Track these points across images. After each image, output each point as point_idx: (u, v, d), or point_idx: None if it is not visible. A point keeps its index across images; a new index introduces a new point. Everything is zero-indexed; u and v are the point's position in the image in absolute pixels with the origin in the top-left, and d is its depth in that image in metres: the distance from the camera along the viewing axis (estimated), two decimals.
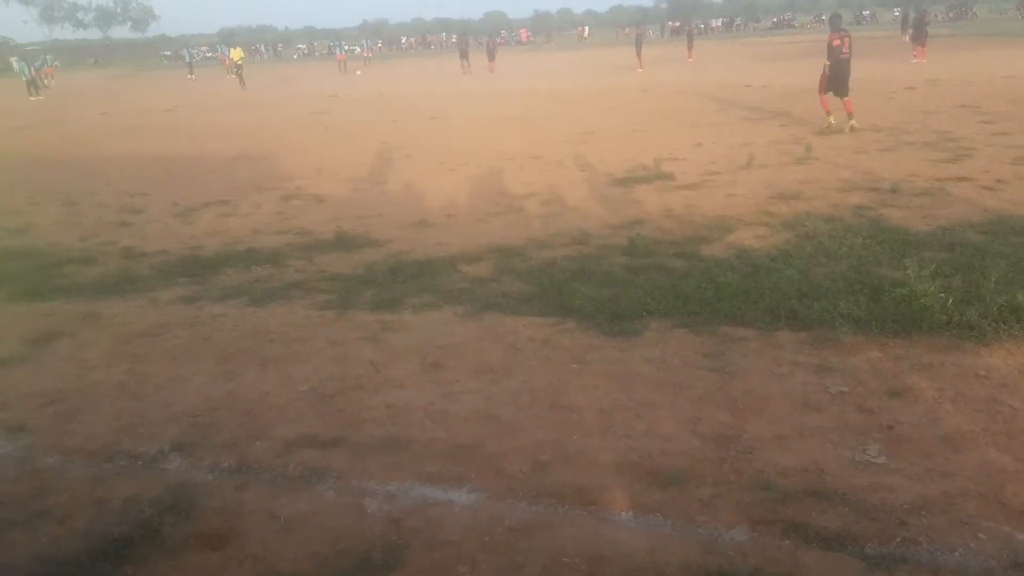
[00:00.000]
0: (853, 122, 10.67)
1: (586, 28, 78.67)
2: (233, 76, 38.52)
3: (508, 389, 3.59)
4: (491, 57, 35.13)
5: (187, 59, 42.61)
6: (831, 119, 10.74)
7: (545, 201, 7.68)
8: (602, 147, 10.77)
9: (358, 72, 36.61)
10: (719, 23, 75.73)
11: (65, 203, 8.97)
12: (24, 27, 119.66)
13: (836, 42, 10.80)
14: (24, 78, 31.24)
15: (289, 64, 60.98)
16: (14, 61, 67.94)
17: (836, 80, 10.83)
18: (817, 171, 8.17)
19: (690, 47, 33.16)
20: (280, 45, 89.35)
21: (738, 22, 76.16)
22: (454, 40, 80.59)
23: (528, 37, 76.51)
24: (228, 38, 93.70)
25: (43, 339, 4.61)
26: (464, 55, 33.56)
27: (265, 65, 59.32)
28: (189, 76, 40.29)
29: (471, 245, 6.12)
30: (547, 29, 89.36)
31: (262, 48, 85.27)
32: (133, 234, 7.31)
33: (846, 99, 10.84)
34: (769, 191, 7.37)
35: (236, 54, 30.99)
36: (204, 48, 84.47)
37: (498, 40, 49.32)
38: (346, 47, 43.62)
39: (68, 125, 18.86)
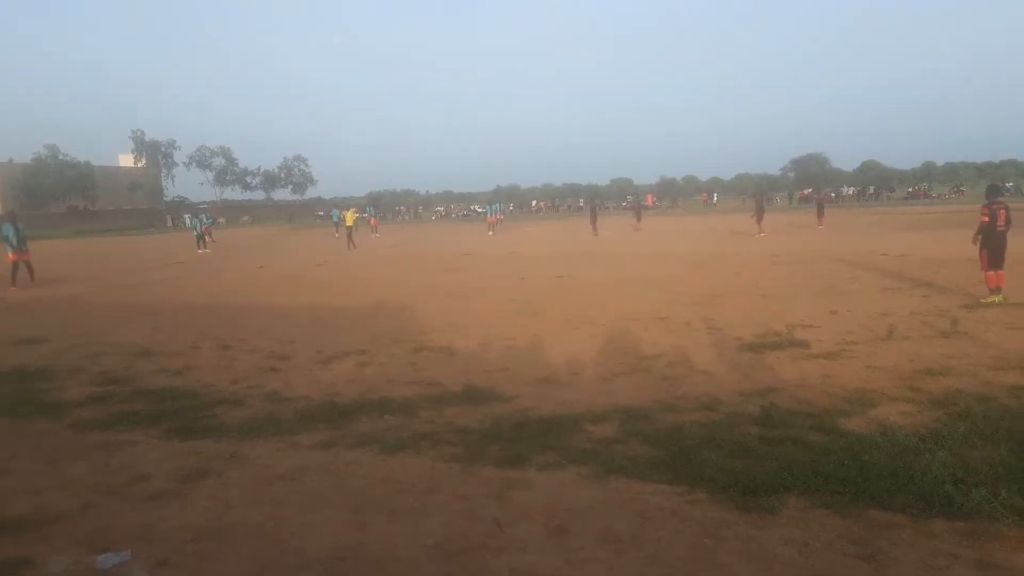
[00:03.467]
0: (1001, 296, 10.09)
1: (714, 195, 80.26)
2: (375, 235, 41.88)
3: (636, 561, 3.45)
4: (638, 217, 39.21)
5: (335, 219, 46.73)
6: (997, 297, 10.16)
7: (672, 363, 7.64)
8: (730, 311, 10.70)
9: (489, 233, 38.71)
10: (851, 191, 75.15)
11: (221, 347, 9.77)
12: (199, 188, 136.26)
13: (988, 217, 10.40)
14: (195, 233, 35.08)
15: (427, 224, 65.57)
16: (187, 218, 77.58)
17: (994, 253, 10.36)
18: (965, 346, 7.70)
19: (820, 214, 33.03)
20: (421, 207, 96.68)
21: (871, 191, 75.27)
22: (581, 204, 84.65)
23: (654, 202, 78.88)
24: (375, 200, 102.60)
25: (192, 476, 4.93)
26: (593, 218, 35.02)
27: (405, 226, 64.05)
28: (336, 235, 43.87)
29: (596, 405, 6.12)
30: (672, 194, 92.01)
31: (403, 209, 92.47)
32: (279, 379, 7.82)
33: (999, 272, 10.32)
34: (913, 365, 6.99)
35: (349, 217, 31.87)
36: (355, 209, 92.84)
37: (642, 203, 51.65)
38: (499, 208, 46.50)
39: (229, 276, 20.90)
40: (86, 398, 7.11)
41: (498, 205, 45.45)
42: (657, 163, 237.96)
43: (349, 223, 31.28)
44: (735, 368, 7.29)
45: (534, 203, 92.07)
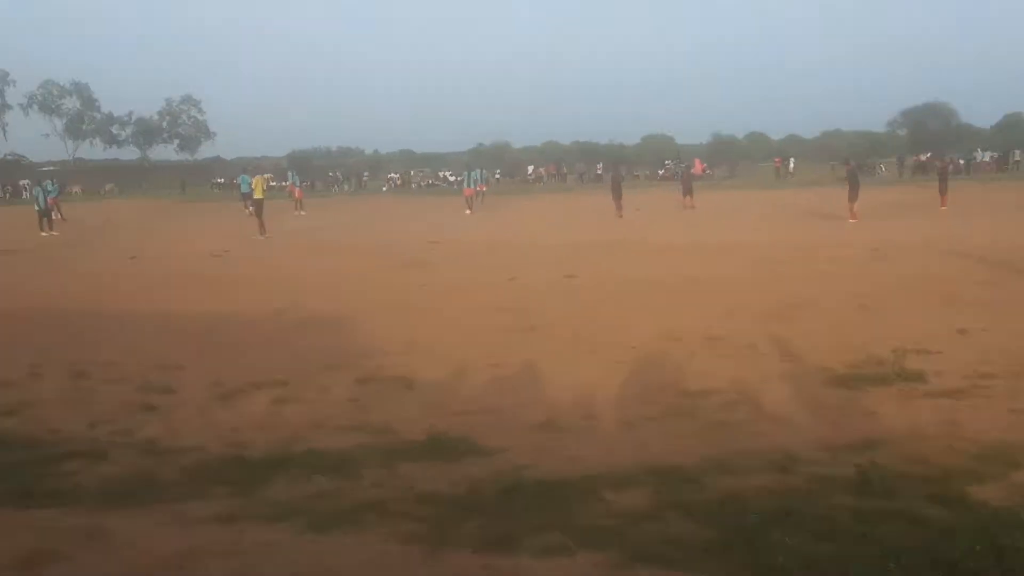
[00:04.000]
0: None
1: (791, 160, 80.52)
2: (300, 213, 41.80)
3: None
4: (687, 190, 38.63)
5: (244, 188, 46.23)
6: None
7: (728, 404, 7.66)
8: (814, 328, 10.75)
9: (467, 212, 38.80)
10: (988, 157, 75.37)
11: (73, 375, 9.73)
12: (44, 142, 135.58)
13: None
14: (37, 208, 34.75)
15: (376, 197, 65.58)
16: (25, 186, 76.82)
17: None
18: None
19: (943, 190, 33.25)
20: (367, 174, 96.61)
21: (1017, 157, 75.48)
22: (599, 171, 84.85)
23: (703, 170, 79.15)
24: (300, 163, 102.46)
25: (33, 562, 4.88)
26: (617, 192, 35.10)
27: (345, 199, 64.03)
28: (248, 211, 43.29)
29: (619, 463, 6.13)
30: (730, 159, 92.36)
31: (340, 176, 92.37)
32: (159, 422, 7.80)
33: None
34: None
35: (259, 185, 31.52)
36: (268, 176, 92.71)
37: (688, 170, 51.59)
38: (481, 176, 45.79)
39: (86, 271, 20.84)
40: None
41: (479, 172, 45.34)
42: (708, 115, 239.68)
43: (259, 194, 30.93)
44: (819, 411, 7.31)
45: (531, 169, 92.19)
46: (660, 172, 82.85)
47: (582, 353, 9.96)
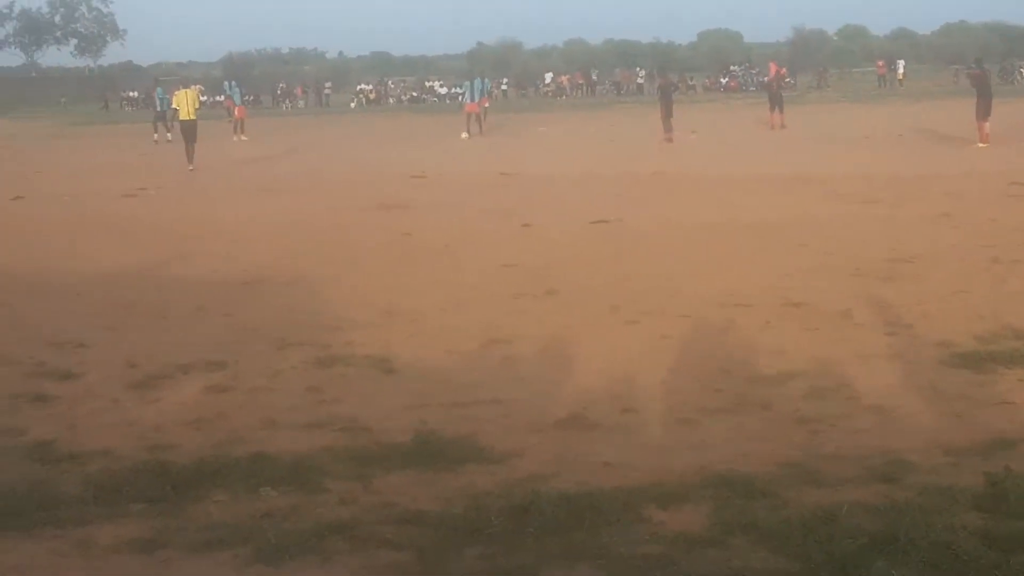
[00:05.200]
0: None
1: (899, 64, 79.81)
2: (240, 139, 41.63)
3: None
4: (776, 104, 38.93)
5: (159, 106, 45.39)
6: None
7: (815, 391, 7.65)
8: (928, 289, 10.73)
9: (463, 136, 38.64)
10: None
11: None
12: None
13: None
14: None
15: (343, 116, 65.35)
16: None
17: None
18: None
19: None
20: (329, 84, 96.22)
21: None
22: (641, 80, 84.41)
23: (781, 76, 78.53)
24: (239, 71, 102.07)
25: None
26: (666, 107, 34.83)
27: (300, 119, 63.81)
28: (160, 136, 42.25)
29: (669, 471, 6.13)
30: (818, 63, 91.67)
31: (295, 90, 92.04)
32: (55, 418, 7.80)
33: None
34: None
35: (184, 102, 30.76)
36: (199, 88, 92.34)
37: (762, 79, 51.44)
38: (484, 87, 44.88)
39: None
40: None
41: (481, 82, 44.99)
42: (787, 3, 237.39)
43: (185, 114, 30.44)
44: (936, 401, 7.29)
45: (549, 78, 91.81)
46: (723, 80, 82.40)
47: (618, 325, 9.93)
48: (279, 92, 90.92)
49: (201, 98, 33.67)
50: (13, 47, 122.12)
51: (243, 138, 42.25)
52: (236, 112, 46.50)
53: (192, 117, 30.20)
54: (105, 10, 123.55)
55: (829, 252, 12.94)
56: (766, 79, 64.17)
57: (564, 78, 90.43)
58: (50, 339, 10.17)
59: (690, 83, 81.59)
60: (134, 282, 13.07)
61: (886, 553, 4.90)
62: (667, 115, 34.75)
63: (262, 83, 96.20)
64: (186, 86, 34.23)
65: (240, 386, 8.53)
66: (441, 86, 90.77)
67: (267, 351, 9.56)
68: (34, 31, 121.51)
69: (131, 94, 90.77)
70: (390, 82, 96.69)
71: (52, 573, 5.17)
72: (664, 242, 14.43)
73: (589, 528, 5.38)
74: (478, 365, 8.94)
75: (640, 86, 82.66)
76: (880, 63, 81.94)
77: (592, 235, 15.36)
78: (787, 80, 78.38)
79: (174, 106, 31.91)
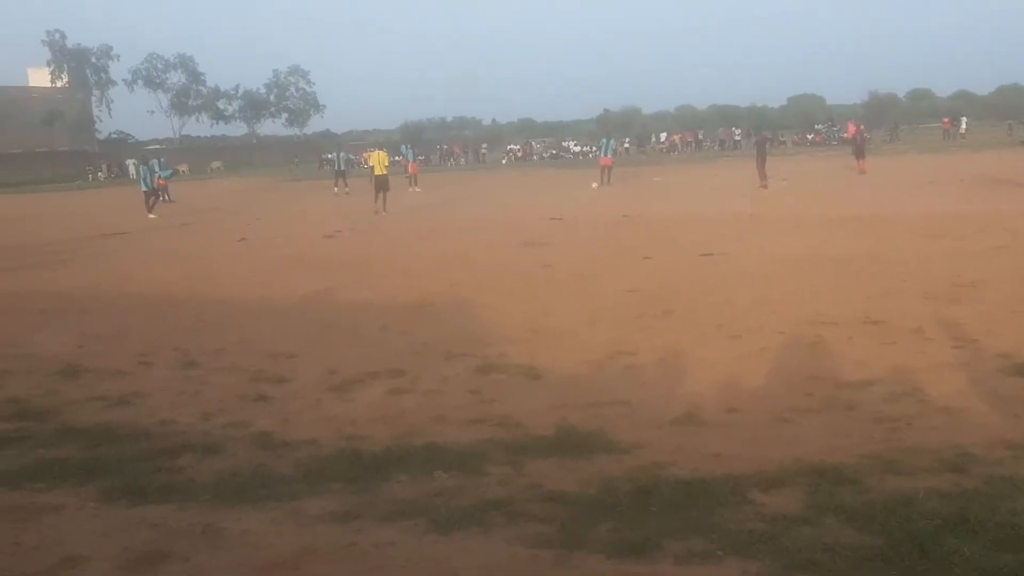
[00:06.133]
0: None
1: (962, 120, 77.50)
2: (415, 190, 42.33)
3: None
4: (860, 153, 39.25)
5: (338, 165, 46.16)
6: None
7: (892, 396, 7.48)
8: (991, 310, 10.41)
9: (593, 185, 38.70)
10: None
11: (184, 364, 10.10)
12: (149, 119, 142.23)
13: None
14: (144, 188, 36.22)
15: (495, 170, 65.94)
16: (132, 165, 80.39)
17: None
18: None
19: None
20: (485, 146, 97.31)
21: None
22: (738, 137, 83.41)
23: (858, 132, 76.96)
24: (413, 135, 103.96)
25: (145, 561, 5.07)
26: (761, 159, 34.52)
27: (461, 173, 64.58)
28: (339, 190, 42.58)
29: (768, 460, 6.04)
30: (890, 120, 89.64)
31: (456, 149, 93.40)
32: (272, 414, 8.03)
33: None
34: None
35: (377, 160, 32.04)
36: (380, 150, 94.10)
37: (841, 134, 50.99)
38: (613, 145, 45.10)
39: (194, 254, 21.59)
40: None
41: (607, 141, 44.98)
42: (863, 71, 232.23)
43: (379, 170, 31.34)
44: (999, 404, 7.07)
45: (663, 136, 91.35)
46: (809, 136, 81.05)
47: (724, 339, 9.85)
48: (443, 152, 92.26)
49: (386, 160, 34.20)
50: (238, 120, 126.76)
51: (416, 190, 42.87)
52: (410, 169, 47.27)
53: (384, 172, 31.11)
54: (309, 89, 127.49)
55: (903, 279, 12.64)
56: (846, 135, 63.13)
57: (676, 137, 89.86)
58: (268, 351, 10.44)
59: (781, 139, 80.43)
60: (331, 306, 13.37)
61: (959, 531, 4.77)
62: (762, 165, 34.38)
63: (430, 145, 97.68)
64: (380, 148, 35.22)
65: (416, 389, 8.67)
66: (575, 145, 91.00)
67: (437, 361, 9.68)
68: (254, 107, 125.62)
69: (327, 156, 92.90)
70: (534, 142, 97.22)
71: (272, 537, 5.31)
72: (761, 271, 14.23)
73: (702, 508, 5.33)
74: (607, 372, 8.94)
75: (738, 142, 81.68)
76: (945, 120, 79.51)
77: (701, 265, 15.23)
78: (865, 135, 77.10)
79: (369, 164, 32.73)
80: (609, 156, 42.21)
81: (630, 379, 8.62)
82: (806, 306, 11.17)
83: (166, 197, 41.09)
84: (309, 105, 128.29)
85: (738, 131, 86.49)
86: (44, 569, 5.04)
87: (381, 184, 30.77)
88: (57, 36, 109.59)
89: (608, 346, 9.91)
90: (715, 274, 14.26)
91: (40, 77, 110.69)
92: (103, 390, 9.00)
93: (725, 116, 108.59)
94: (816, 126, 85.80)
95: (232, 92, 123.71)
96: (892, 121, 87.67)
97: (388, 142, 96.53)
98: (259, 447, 7.07)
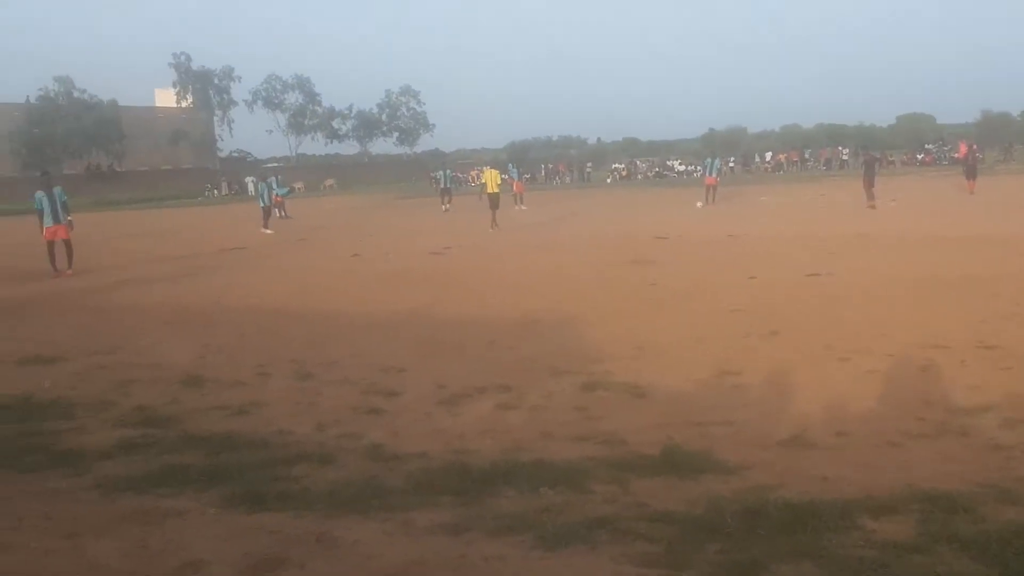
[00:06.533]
0: None
1: None
2: (521, 208, 42.61)
3: None
4: (971, 174, 38.28)
5: (442, 182, 47.37)
6: None
7: (1008, 422, 7.25)
8: None
9: (698, 204, 38.44)
10: None
11: (299, 376, 10.31)
12: (267, 138, 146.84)
13: None
14: (262, 204, 37.22)
15: (599, 189, 65.89)
16: (250, 182, 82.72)
17: None
18: None
19: None
20: (590, 164, 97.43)
21: None
22: (845, 157, 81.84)
23: (970, 153, 74.97)
24: (519, 154, 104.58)
25: (263, 566, 5.17)
26: (869, 179, 33.97)
27: (566, 191, 64.68)
28: (444, 207, 44.24)
29: (879, 486, 5.90)
30: (1004, 140, 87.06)
31: (561, 168, 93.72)
32: (383, 426, 8.13)
33: None
34: None
35: (491, 179, 33.17)
36: (489, 168, 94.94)
37: (953, 154, 49.82)
38: (718, 164, 45.12)
39: (308, 268, 22.03)
40: (115, 445, 7.70)
41: (712, 160, 44.62)
42: (975, 90, 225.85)
43: (491, 188, 31.86)
44: None
45: (768, 155, 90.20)
46: (919, 156, 79.22)
47: (831, 361, 9.65)
48: (549, 170, 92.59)
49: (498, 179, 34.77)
50: (351, 139, 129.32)
51: (522, 208, 43.09)
52: (516, 187, 47.56)
53: (496, 191, 31.76)
54: (419, 109, 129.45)
55: (1017, 302, 12.23)
56: (957, 155, 61.58)
57: (781, 156, 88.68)
58: (379, 365, 10.58)
59: (890, 159, 78.63)
60: (439, 321, 13.51)
61: None
62: (870, 185, 33.81)
63: (536, 163, 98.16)
64: (492, 167, 36.02)
65: (522, 405, 8.68)
66: (680, 164, 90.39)
67: (543, 377, 9.69)
68: (367, 127, 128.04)
69: (435, 175, 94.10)
70: (638, 161, 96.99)
71: (384, 547, 5.37)
72: (869, 292, 13.94)
73: (811, 532, 5.24)
74: (713, 392, 8.85)
75: (845, 162, 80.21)
76: None
77: (807, 286, 14.98)
78: (977, 155, 74.92)
79: (482, 181, 33.46)
80: (714, 175, 42.06)
81: (736, 399, 8.53)
82: (917, 328, 10.90)
83: (282, 213, 42.15)
84: (419, 124, 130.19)
85: (845, 150, 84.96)
86: (168, 572, 5.18)
87: (493, 201, 31.53)
88: (183, 58, 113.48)
89: (713, 365, 9.80)
90: (822, 294, 14.02)
91: (166, 98, 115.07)
92: (223, 399, 9.25)
93: (832, 135, 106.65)
94: (926, 146, 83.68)
95: (346, 112, 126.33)
96: (1006, 141, 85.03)
97: (495, 161, 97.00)
98: (371, 458, 7.17)
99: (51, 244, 21.97)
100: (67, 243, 22.08)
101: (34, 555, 5.47)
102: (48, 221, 21.93)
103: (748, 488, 6.03)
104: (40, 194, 22.24)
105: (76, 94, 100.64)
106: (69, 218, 22.30)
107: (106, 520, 6.01)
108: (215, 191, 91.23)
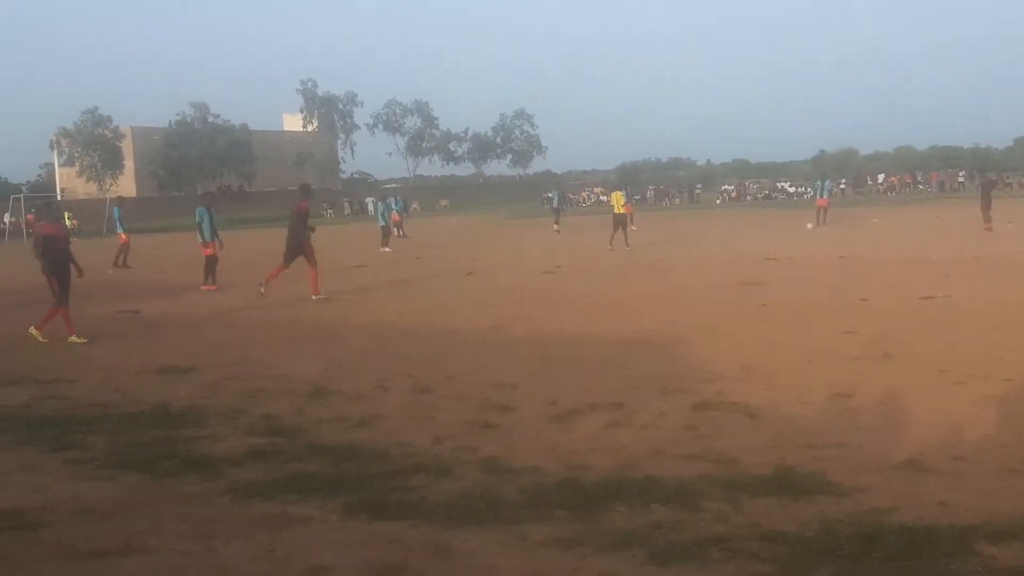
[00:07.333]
0: None
1: None
2: (631, 228, 42.47)
3: None
4: None
5: (555, 202, 47.43)
6: None
7: None
8: None
9: (808, 226, 37.76)
10: None
11: (417, 390, 10.44)
12: (386, 160, 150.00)
13: None
14: (382, 224, 37.81)
15: (709, 210, 65.29)
16: (370, 202, 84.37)
17: None
18: None
19: None
20: (699, 186, 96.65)
21: None
22: (961, 178, 79.46)
23: None
24: (629, 176, 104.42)
25: (384, 574, 5.28)
26: (985, 201, 32.91)
27: (676, 213, 64.26)
28: (561, 227, 44.45)
29: (998, 512, 5.71)
30: None
31: (671, 189, 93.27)
32: (498, 440, 8.17)
33: None
34: None
35: (618, 200, 33.05)
36: (598, 190, 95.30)
37: None
38: (829, 186, 44.25)
39: (425, 286, 22.32)
40: (245, 452, 7.93)
41: (822, 182, 43.74)
42: None
43: (617, 209, 32.08)
44: None
45: (881, 178, 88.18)
46: None
47: (947, 385, 9.38)
48: (658, 192, 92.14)
49: (601, 197, 34.92)
50: (467, 161, 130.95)
51: (632, 228, 42.87)
52: (625, 208, 47.37)
53: (621, 211, 31.83)
54: (532, 132, 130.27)
55: None
56: None
57: (894, 178, 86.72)
58: (493, 381, 10.64)
59: (1007, 181, 76.11)
60: (551, 340, 13.51)
61: None
62: (987, 208, 32.78)
63: (645, 184, 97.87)
64: (615, 189, 36.37)
65: (633, 422, 8.63)
66: (790, 186, 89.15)
67: (653, 396, 9.62)
68: (482, 149, 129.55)
69: (547, 195, 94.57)
70: (748, 183, 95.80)
71: (499, 558, 5.40)
72: (987, 316, 13.51)
73: (927, 557, 5.10)
74: (825, 414, 8.66)
75: (961, 184, 77.93)
76: None
77: (921, 309, 14.61)
78: None
79: (611, 202, 33.76)
80: (825, 197, 41.30)
81: (848, 421, 8.34)
82: None
83: (400, 232, 42.78)
84: (532, 147, 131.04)
85: (962, 173, 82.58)
86: (292, 575, 5.31)
87: (619, 221, 31.72)
88: (309, 84, 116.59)
89: (825, 387, 9.60)
90: (937, 318, 13.64)
91: (293, 122, 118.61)
92: (346, 411, 9.41)
93: (946, 158, 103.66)
94: None
95: (462, 135, 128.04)
96: None
97: (605, 182, 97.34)
98: (486, 471, 7.21)
99: (213, 259, 23.06)
100: (214, 259, 23.11)
101: (171, 556, 5.66)
102: (209, 236, 23.05)
103: (862, 511, 5.90)
104: (202, 209, 23.51)
105: (210, 119, 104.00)
106: (218, 237, 23.37)
107: (237, 524, 6.19)
108: (330, 211, 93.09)
